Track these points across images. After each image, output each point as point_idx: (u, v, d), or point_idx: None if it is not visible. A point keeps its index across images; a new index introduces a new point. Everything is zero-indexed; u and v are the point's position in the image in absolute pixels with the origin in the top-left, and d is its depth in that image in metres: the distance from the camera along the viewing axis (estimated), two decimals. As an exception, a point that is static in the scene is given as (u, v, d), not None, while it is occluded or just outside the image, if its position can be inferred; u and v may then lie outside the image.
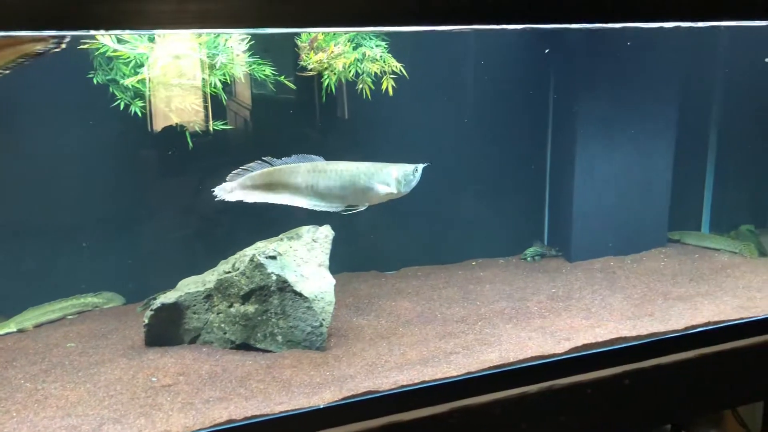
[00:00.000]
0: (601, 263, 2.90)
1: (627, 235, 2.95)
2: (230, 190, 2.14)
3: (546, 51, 2.85)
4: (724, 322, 2.33)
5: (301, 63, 2.32)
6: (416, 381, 1.96)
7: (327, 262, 2.33)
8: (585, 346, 2.16)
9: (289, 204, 2.19)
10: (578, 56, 2.80)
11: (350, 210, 2.26)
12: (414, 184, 2.27)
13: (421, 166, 2.27)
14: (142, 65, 2.18)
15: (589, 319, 2.35)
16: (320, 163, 2.20)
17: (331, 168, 2.21)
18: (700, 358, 2.28)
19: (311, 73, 2.31)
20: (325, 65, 2.27)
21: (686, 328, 2.28)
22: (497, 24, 1.94)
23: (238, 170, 2.15)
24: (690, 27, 2.22)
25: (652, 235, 3.02)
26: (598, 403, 2.17)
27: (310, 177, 2.18)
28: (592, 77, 2.81)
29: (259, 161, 2.16)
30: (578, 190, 2.86)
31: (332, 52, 2.24)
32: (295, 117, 2.65)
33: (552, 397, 2.09)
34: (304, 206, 2.20)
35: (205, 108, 2.32)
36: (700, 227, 3.23)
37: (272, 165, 2.18)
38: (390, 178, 2.23)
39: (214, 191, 2.14)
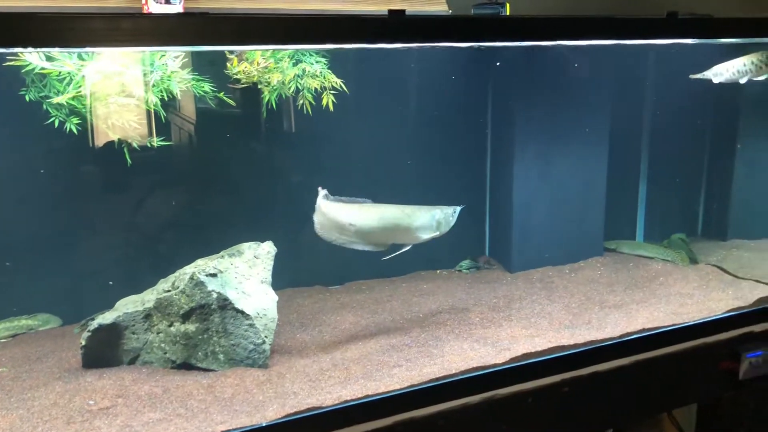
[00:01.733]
0: (541, 273, 2.95)
1: (565, 245, 3.02)
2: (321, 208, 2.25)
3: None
4: (657, 328, 2.40)
5: (228, 73, 2.32)
6: (359, 395, 1.97)
7: (269, 279, 2.32)
8: (525, 356, 2.20)
9: (335, 240, 2.31)
10: (516, 71, 2.87)
11: (396, 252, 2.33)
12: (452, 224, 2.38)
13: (458, 209, 2.39)
14: (76, 82, 2.14)
15: (529, 328, 2.40)
16: (367, 203, 2.29)
17: (376, 208, 2.31)
18: (635, 364, 2.35)
19: (243, 86, 2.31)
20: (255, 78, 2.28)
21: (622, 336, 2.35)
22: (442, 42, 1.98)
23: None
24: (620, 44, 2.31)
25: (589, 245, 3.10)
26: (539, 411, 2.22)
27: (355, 214, 2.25)
28: (528, 92, 2.88)
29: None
30: (517, 203, 2.92)
31: (258, 63, 2.25)
32: (237, 132, 2.64)
33: (494, 407, 2.13)
34: (345, 244, 2.30)
35: (143, 124, 2.29)
36: (634, 236, 3.32)
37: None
38: (433, 220, 2.33)
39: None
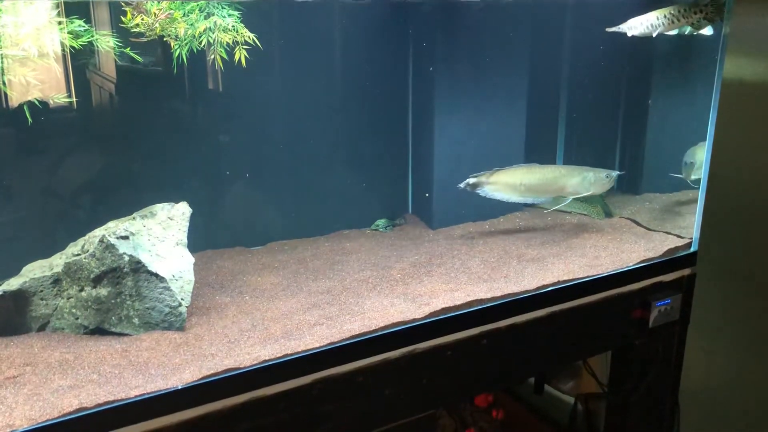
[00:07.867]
0: (461, 229, 2.99)
1: (485, 200, 3.03)
2: (472, 184, 2.78)
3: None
4: (572, 280, 2.47)
5: (125, 26, 2.19)
6: (278, 355, 1.96)
7: (185, 240, 2.26)
8: (444, 310, 2.23)
9: (505, 198, 2.83)
10: (435, 28, 2.84)
11: (558, 204, 2.89)
12: (608, 186, 2.84)
13: (614, 173, 2.83)
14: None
15: (449, 283, 2.42)
16: (534, 166, 2.82)
17: (540, 169, 2.82)
18: (551, 315, 2.42)
19: (147, 39, 2.20)
20: (158, 30, 2.17)
21: (538, 288, 2.40)
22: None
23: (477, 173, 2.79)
24: None
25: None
26: (458, 363, 2.26)
27: (524, 176, 2.78)
28: (448, 50, 2.86)
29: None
30: (438, 160, 2.93)
31: (155, 14, 2.14)
32: (149, 88, 2.54)
33: (414, 360, 2.16)
34: (517, 200, 2.84)
35: (43, 80, 2.16)
36: (553, 191, 3.38)
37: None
38: (585, 181, 2.77)
39: (460, 185, 2.79)
